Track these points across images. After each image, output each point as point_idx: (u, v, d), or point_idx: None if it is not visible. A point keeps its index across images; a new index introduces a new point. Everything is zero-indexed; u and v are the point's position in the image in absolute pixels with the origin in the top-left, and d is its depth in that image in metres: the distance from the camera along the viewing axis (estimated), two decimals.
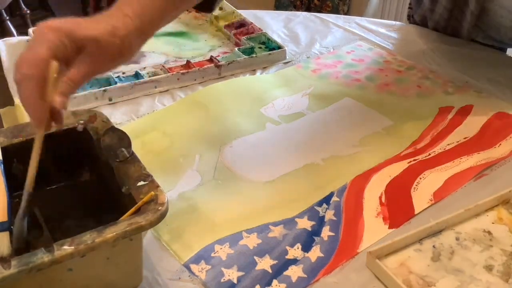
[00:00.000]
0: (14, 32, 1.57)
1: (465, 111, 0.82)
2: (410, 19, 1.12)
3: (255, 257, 0.58)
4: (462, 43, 1.00)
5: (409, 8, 1.12)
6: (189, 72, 0.88)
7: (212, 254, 0.58)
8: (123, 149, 0.56)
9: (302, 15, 1.11)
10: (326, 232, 0.61)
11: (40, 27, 0.49)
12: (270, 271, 0.56)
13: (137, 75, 0.88)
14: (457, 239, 0.60)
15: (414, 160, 0.72)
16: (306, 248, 0.59)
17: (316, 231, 0.61)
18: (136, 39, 0.54)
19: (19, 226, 0.50)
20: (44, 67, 0.47)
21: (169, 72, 0.88)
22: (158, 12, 0.57)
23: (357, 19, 1.11)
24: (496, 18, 0.92)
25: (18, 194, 0.57)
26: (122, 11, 0.54)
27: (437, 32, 1.03)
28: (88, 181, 0.60)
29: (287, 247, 0.59)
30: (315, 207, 0.65)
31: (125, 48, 0.53)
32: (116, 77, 0.88)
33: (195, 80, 0.88)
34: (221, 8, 1.10)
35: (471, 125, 0.79)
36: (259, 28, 1.01)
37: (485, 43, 1.00)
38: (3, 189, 0.53)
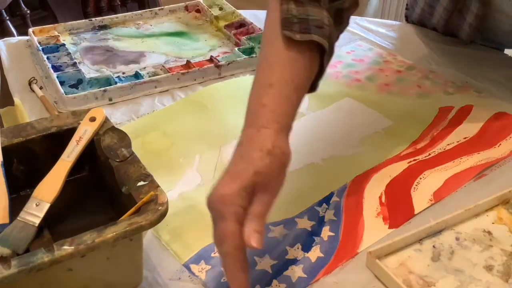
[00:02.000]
0: (14, 32, 1.56)
1: (465, 111, 0.82)
2: (407, 20, 1.12)
3: (255, 257, 0.58)
4: (462, 43, 1.00)
5: (406, 9, 1.12)
6: (189, 72, 0.88)
7: (212, 254, 0.58)
8: (123, 149, 0.56)
9: None
10: (326, 232, 0.61)
11: (217, 204, 0.49)
12: (270, 271, 0.56)
13: (137, 75, 0.88)
14: (457, 239, 0.60)
15: (414, 160, 0.72)
16: (306, 248, 0.59)
17: (316, 231, 0.61)
18: (281, 139, 0.53)
19: (31, 233, 0.51)
20: (238, 240, 0.47)
21: (169, 72, 0.88)
22: (294, 109, 0.56)
23: (357, 19, 1.11)
24: (494, 22, 0.92)
25: (18, 194, 0.57)
26: (257, 128, 0.53)
27: (437, 32, 1.03)
28: (88, 181, 0.60)
29: (287, 247, 0.59)
30: (315, 207, 0.65)
31: (287, 164, 0.53)
32: (116, 77, 0.88)
33: (195, 80, 0.88)
34: (221, 8, 1.10)
35: (471, 125, 0.79)
36: (259, 28, 1.01)
37: (483, 44, 1.00)
38: (4, 191, 0.53)
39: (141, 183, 0.51)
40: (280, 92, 0.54)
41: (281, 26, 0.56)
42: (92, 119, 0.58)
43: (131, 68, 0.91)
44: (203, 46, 0.99)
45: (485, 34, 0.98)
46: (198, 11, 1.12)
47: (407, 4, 1.11)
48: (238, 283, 0.47)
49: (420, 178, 0.69)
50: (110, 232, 0.46)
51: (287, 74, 0.55)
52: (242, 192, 0.49)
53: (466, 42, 0.98)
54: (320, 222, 0.63)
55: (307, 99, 0.84)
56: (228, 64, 0.90)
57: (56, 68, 0.88)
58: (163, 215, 0.48)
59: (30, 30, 0.98)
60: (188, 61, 0.92)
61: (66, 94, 0.81)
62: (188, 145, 0.74)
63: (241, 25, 1.03)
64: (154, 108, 0.82)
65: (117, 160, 0.55)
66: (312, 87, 0.61)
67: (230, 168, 0.51)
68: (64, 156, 0.55)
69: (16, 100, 0.80)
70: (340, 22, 0.61)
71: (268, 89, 0.55)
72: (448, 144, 0.75)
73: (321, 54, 0.58)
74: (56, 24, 1.02)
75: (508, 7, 0.88)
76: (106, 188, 0.57)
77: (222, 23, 1.05)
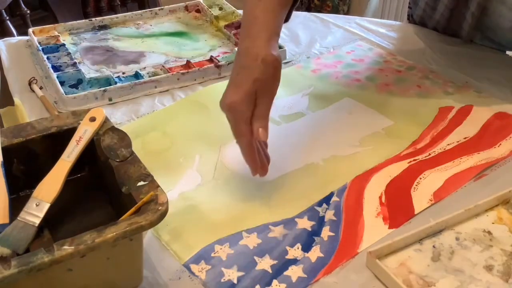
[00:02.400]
0: (14, 32, 1.57)
1: (465, 111, 0.82)
2: (410, 18, 1.12)
3: (255, 257, 0.58)
4: (462, 43, 1.00)
5: (408, 8, 1.12)
6: (189, 72, 0.88)
7: (212, 254, 0.58)
8: (123, 149, 0.56)
9: (302, 15, 1.11)
10: (326, 232, 0.61)
11: (228, 110, 0.62)
12: (270, 271, 0.56)
13: (137, 75, 0.88)
14: (457, 239, 0.60)
15: (414, 160, 0.72)
16: (306, 248, 0.59)
17: (316, 231, 0.61)
18: (271, 45, 0.64)
19: (31, 233, 0.51)
20: (249, 136, 0.62)
21: (169, 72, 0.88)
22: (280, 20, 0.68)
23: (357, 19, 1.11)
24: (495, 17, 0.92)
25: (18, 194, 0.57)
26: (261, 39, 0.64)
27: (437, 32, 1.03)
28: (88, 181, 0.60)
29: (287, 247, 0.59)
30: (315, 207, 0.65)
31: (279, 67, 0.64)
32: (116, 77, 0.88)
33: (195, 80, 0.88)
34: (221, 8, 1.10)
35: (471, 125, 0.79)
36: None
37: (482, 44, 1.00)
38: (4, 191, 0.53)
39: (141, 183, 0.51)
40: (267, 6, 0.65)
41: None
42: (92, 119, 0.58)
43: (131, 68, 0.91)
44: (203, 46, 0.99)
45: (484, 32, 0.98)
46: (198, 11, 1.12)
47: (409, 3, 1.11)
48: (253, 160, 0.63)
49: (420, 178, 0.69)
50: (110, 232, 0.46)
51: None
52: (247, 98, 0.61)
53: (466, 41, 0.98)
54: (320, 222, 0.63)
55: (307, 99, 0.85)
56: (228, 64, 0.90)
57: (56, 68, 0.88)
58: (163, 215, 0.48)
59: (30, 30, 0.98)
60: (188, 61, 0.92)
61: (66, 94, 0.81)
62: (188, 145, 0.74)
63: None
64: (154, 108, 0.82)
65: (117, 160, 0.55)
66: (287, 18, 0.73)
67: (233, 77, 0.63)
68: (64, 156, 0.55)
69: (16, 100, 0.80)
70: None
71: (258, 3, 0.65)
72: (448, 144, 0.75)
73: None
74: (56, 24, 1.02)
75: None
76: (106, 188, 0.57)
77: (222, 23, 1.05)
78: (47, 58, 0.90)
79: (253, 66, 0.62)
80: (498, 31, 0.94)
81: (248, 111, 0.61)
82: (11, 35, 1.50)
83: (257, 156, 0.64)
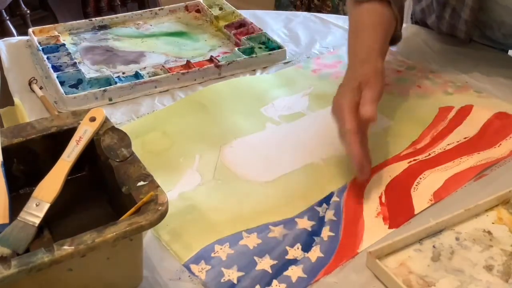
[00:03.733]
0: (14, 32, 1.57)
1: (465, 111, 0.82)
2: (412, 17, 1.12)
3: (255, 257, 0.58)
4: (462, 43, 1.00)
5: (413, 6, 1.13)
6: (189, 72, 0.88)
7: (212, 254, 0.58)
8: (123, 149, 0.56)
9: (302, 15, 1.11)
10: (326, 232, 0.61)
11: (336, 112, 0.69)
12: (270, 271, 0.56)
13: (137, 75, 0.88)
14: (457, 239, 0.60)
15: (414, 160, 0.72)
16: (306, 248, 0.59)
17: (316, 231, 0.61)
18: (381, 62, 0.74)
19: (31, 233, 0.51)
20: (354, 124, 0.65)
21: (169, 72, 0.88)
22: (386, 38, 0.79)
23: None
24: (490, 13, 0.92)
25: (18, 194, 0.57)
26: (375, 52, 0.74)
27: (437, 32, 1.03)
28: (88, 181, 0.60)
29: (287, 247, 0.59)
30: (315, 207, 0.65)
31: (383, 73, 0.72)
32: (116, 77, 0.88)
33: (195, 80, 0.88)
34: (221, 8, 1.10)
35: (471, 125, 0.79)
36: (259, 28, 1.01)
37: (482, 43, 1.00)
38: (4, 191, 0.53)
39: (141, 183, 0.51)
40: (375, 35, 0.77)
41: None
42: (92, 119, 0.58)
43: (131, 68, 0.91)
44: (203, 46, 0.99)
45: (482, 30, 0.98)
46: (198, 11, 1.12)
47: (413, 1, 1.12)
48: (357, 155, 0.64)
49: (420, 178, 0.69)
50: (110, 232, 0.46)
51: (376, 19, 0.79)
52: (354, 89, 0.68)
53: (465, 40, 0.98)
54: (320, 222, 0.63)
55: (307, 99, 0.85)
56: (228, 64, 0.90)
57: (56, 68, 0.88)
58: (163, 215, 0.48)
59: (30, 30, 0.98)
60: (188, 61, 0.92)
61: (66, 94, 0.81)
62: (188, 145, 0.74)
63: (241, 25, 1.03)
64: (154, 108, 0.82)
65: (117, 160, 0.55)
66: (398, 38, 0.87)
67: (341, 84, 0.72)
68: (64, 156, 0.55)
69: (16, 100, 0.80)
70: None
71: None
72: (448, 144, 0.75)
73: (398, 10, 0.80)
74: (56, 24, 1.02)
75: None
76: (106, 188, 0.57)
77: (222, 23, 1.05)
78: (47, 58, 0.90)
79: (356, 67, 0.73)
80: (494, 25, 0.94)
81: (353, 100, 0.66)
82: (11, 35, 1.51)
83: (361, 151, 0.64)
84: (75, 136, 0.57)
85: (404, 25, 1.09)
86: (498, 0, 0.89)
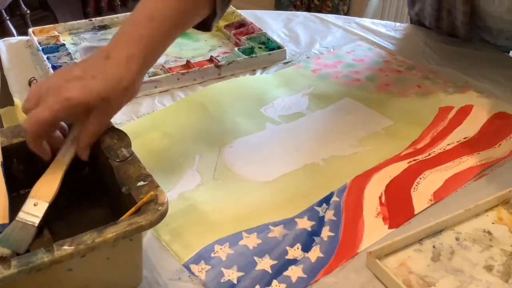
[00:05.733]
0: (14, 32, 1.57)
1: (465, 111, 0.82)
2: (411, 20, 1.12)
3: (255, 257, 0.58)
4: (462, 43, 1.00)
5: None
6: (189, 72, 0.88)
7: (212, 254, 0.58)
8: (123, 149, 0.56)
9: (302, 15, 1.11)
10: (326, 232, 0.61)
11: (53, 96, 0.53)
12: (270, 271, 0.56)
13: None
14: (457, 239, 0.60)
15: (414, 160, 0.72)
16: (306, 248, 0.59)
17: (316, 231, 0.61)
18: (140, 78, 0.59)
19: (31, 233, 0.51)
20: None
21: (169, 72, 0.88)
22: (162, 43, 0.61)
23: (357, 19, 1.11)
24: (482, 20, 0.92)
25: (18, 194, 0.57)
26: (127, 52, 0.57)
27: (437, 32, 1.04)
28: (88, 181, 0.60)
29: (287, 247, 0.59)
30: (315, 207, 0.65)
31: (132, 93, 0.58)
32: None
33: (195, 80, 0.88)
34: None
35: (471, 125, 0.79)
36: (259, 28, 1.01)
37: (481, 43, 1.00)
38: (4, 191, 0.53)
39: (141, 183, 0.51)
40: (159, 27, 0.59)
41: None
42: None
43: None
44: (203, 46, 0.99)
45: (481, 35, 0.98)
46: None
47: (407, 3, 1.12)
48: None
49: (420, 178, 0.69)
50: (110, 232, 0.46)
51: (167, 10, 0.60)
52: (81, 105, 0.54)
53: (465, 40, 0.98)
54: (320, 222, 0.63)
55: (307, 99, 0.85)
56: (228, 64, 0.90)
57: (56, 68, 0.88)
58: (163, 215, 0.48)
59: (30, 30, 0.98)
60: (188, 61, 0.92)
61: None
62: (188, 145, 0.74)
63: (241, 25, 1.03)
64: (154, 108, 0.82)
65: (117, 160, 0.55)
66: (208, 27, 0.68)
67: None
68: (59, 155, 0.55)
69: (16, 100, 0.80)
70: None
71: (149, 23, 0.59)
72: (448, 144, 0.75)
73: None
74: (56, 24, 1.02)
75: (489, 7, 0.88)
76: (106, 188, 0.57)
77: (222, 23, 1.05)
78: (47, 58, 0.90)
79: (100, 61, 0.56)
80: (492, 30, 0.95)
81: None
82: (11, 35, 1.51)
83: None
84: (70, 135, 0.57)
85: (403, 25, 1.09)
86: (491, 12, 0.89)
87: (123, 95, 0.56)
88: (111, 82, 0.55)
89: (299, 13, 1.13)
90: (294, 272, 0.56)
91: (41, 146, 0.55)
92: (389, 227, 0.62)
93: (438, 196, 0.66)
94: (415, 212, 0.64)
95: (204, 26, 0.69)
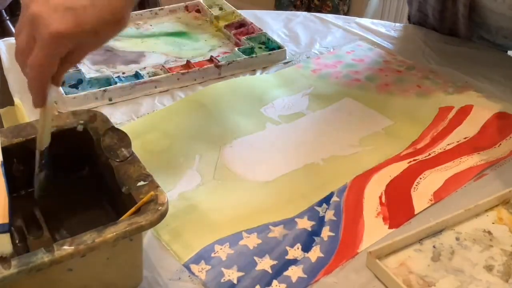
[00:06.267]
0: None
1: (465, 111, 0.82)
2: (409, 19, 1.12)
3: (255, 257, 0.58)
4: (462, 43, 1.00)
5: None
6: (189, 72, 0.88)
7: (212, 254, 0.58)
8: (123, 149, 0.56)
9: (302, 15, 1.11)
10: (326, 232, 0.61)
11: (43, 31, 0.48)
12: (270, 271, 0.56)
13: (137, 75, 0.88)
14: (457, 239, 0.60)
15: (414, 160, 0.72)
16: (306, 248, 0.59)
17: (316, 231, 0.61)
18: (130, 9, 0.54)
19: (37, 180, 0.55)
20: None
21: (169, 72, 0.88)
22: None
23: (357, 19, 1.11)
24: (483, 17, 0.92)
25: (18, 194, 0.57)
26: None
27: (437, 32, 1.04)
28: (88, 181, 0.60)
29: (287, 247, 0.59)
30: (315, 207, 0.65)
31: (123, 25, 0.53)
32: (116, 77, 0.88)
33: (195, 80, 0.88)
34: (221, 8, 1.10)
35: (471, 125, 0.79)
36: (259, 28, 1.01)
37: (480, 41, 1.00)
38: (4, 190, 0.53)
39: (141, 183, 0.51)
40: None
41: None
42: None
43: (131, 68, 0.91)
44: (203, 46, 0.99)
45: (480, 33, 0.98)
46: (198, 11, 1.12)
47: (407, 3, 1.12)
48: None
49: (420, 178, 0.69)
50: (110, 232, 0.46)
51: None
52: (75, 40, 0.50)
53: (465, 37, 0.98)
54: (320, 222, 0.63)
55: (307, 99, 0.85)
56: (228, 64, 0.90)
57: None
58: (163, 215, 0.48)
59: None
60: (188, 61, 0.92)
61: (66, 94, 0.81)
62: (188, 145, 0.74)
63: (241, 25, 1.03)
64: (154, 108, 0.82)
65: (117, 160, 0.55)
66: None
67: None
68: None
69: (16, 100, 0.80)
70: None
71: None
72: (448, 144, 0.75)
73: None
74: None
75: (491, 3, 0.88)
76: (106, 188, 0.57)
77: (222, 23, 1.05)
78: None
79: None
80: (491, 28, 0.95)
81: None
82: (11, 35, 1.50)
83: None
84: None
85: (403, 25, 1.09)
86: (493, 8, 0.89)
87: (114, 29, 0.53)
88: (104, 15, 0.51)
89: (299, 13, 1.13)
90: (294, 272, 0.56)
91: (46, 90, 0.52)
92: (389, 227, 0.62)
93: (438, 196, 0.66)
94: (415, 212, 0.64)
95: None
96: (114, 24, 0.52)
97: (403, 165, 0.71)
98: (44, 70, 0.50)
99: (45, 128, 0.54)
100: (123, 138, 0.57)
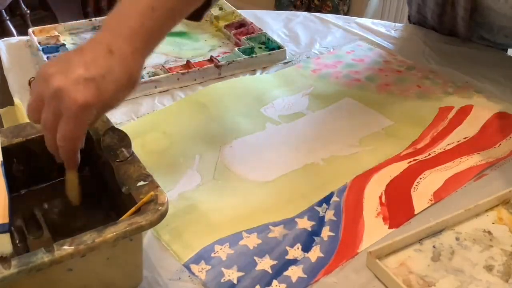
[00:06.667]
0: (14, 32, 1.57)
1: (465, 111, 0.82)
2: (409, 19, 1.12)
3: (255, 257, 0.58)
4: (462, 43, 1.00)
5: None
6: (189, 72, 0.88)
7: (212, 254, 0.58)
8: (123, 149, 0.56)
9: (302, 15, 1.11)
10: (326, 232, 0.61)
11: (70, 104, 0.50)
12: (270, 271, 0.56)
13: None
14: (457, 239, 0.60)
15: (414, 160, 0.72)
16: (306, 248, 0.59)
17: (316, 231, 0.61)
18: (142, 69, 0.57)
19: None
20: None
21: (169, 72, 0.88)
22: (163, 33, 0.61)
23: (357, 19, 1.11)
24: (486, 17, 0.92)
25: (18, 194, 0.57)
26: (131, 46, 0.55)
27: (437, 30, 1.04)
28: (88, 181, 0.60)
29: (287, 247, 0.59)
30: (315, 207, 0.65)
31: (135, 88, 0.56)
32: None
33: (195, 80, 0.88)
34: (221, 8, 1.10)
35: (471, 125, 0.79)
36: (259, 28, 1.01)
37: (481, 43, 1.00)
38: (4, 190, 0.53)
39: (141, 183, 0.51)
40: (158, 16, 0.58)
41: None
42: None
43: None
44: (203, 46, 0.99)
45: (480, 33, 0.98)
46: None
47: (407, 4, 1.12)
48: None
49: (420, 178, 0.69)
50: (110, 232, 0.46)
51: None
52: (102, 111, 0.53)
53: (465, 38, 0.98)
54: (320, 222, 0.63)
55: (307, 99, 0.85)
56: (228, 64, 0.90)
57: None
58: (163, 215, 0.48)
59: (30, 30, 0.98)
60: (188, 61, 0.92)
61: None
62: (188, 145, 0.74)
63: (241, 25, 1.03)
64: (154, 108, 0.82)
65: (117, 160, 0.55)
66: (198, 17, 0.69)
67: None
68: None
69: (16, 100, 0.80)
70: None
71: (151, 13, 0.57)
72: (448, 144, 0.75)
73: None
74: (56, 24, 1.02)
75: (494, 4, 0.88)
76: (106, 188, 0.57)
77: (222, 23, 1.05)
78: (47, 58, 0.90)
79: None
80: (494, 26, 0.95)
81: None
82: (11, 35, 1.51)
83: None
84: None
85: (403, 25, 1.09)
86: (495, 8, 0.89)
87: (130, 91, 0.55)
88: (122, 82, 0.53)
89: (299, 13, 1.13)
90: (294, 272, 0.56)
91: (78, 154, 0.54)
92: (389, 227, 0.62)
93: (438, 196, 0.66)
94: (415, 212, 0.64)
95: (194, 16, 0.68)
96: (131, 87, 0.55)
97: (403, 165, 0.71)
98: (76, 140, 0.52)
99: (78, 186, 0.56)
100: (123, 138, 0.57)
